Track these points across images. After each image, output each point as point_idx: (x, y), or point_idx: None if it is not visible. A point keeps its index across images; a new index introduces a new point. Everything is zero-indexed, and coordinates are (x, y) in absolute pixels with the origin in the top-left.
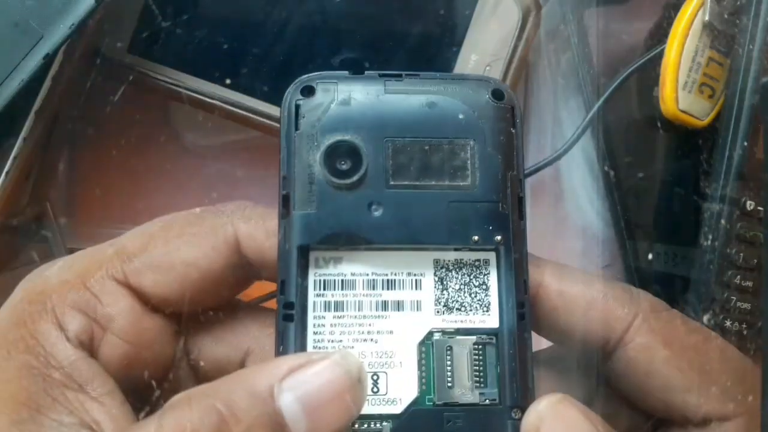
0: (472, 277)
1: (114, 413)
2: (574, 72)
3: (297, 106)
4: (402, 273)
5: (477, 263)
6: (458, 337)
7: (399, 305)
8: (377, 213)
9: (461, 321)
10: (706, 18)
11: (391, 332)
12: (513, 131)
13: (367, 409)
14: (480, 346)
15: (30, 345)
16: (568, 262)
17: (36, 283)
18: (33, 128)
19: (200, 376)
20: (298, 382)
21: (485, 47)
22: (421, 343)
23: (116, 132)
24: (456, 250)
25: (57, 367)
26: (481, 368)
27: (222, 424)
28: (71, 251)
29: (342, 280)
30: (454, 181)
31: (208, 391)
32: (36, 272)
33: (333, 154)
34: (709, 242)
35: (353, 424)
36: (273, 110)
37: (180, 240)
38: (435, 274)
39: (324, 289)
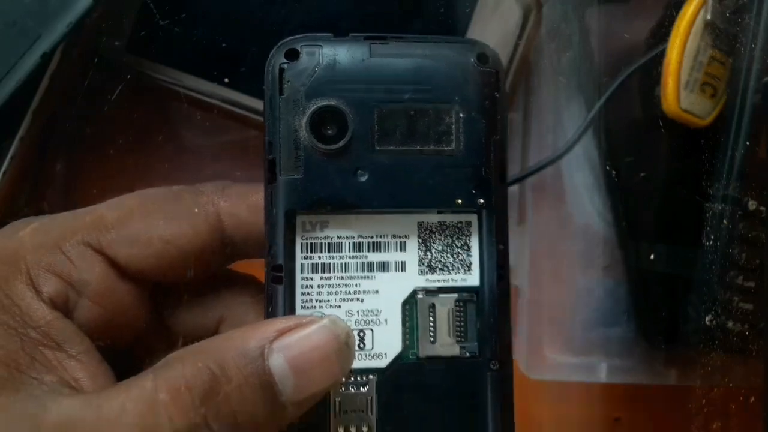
0: (454, 238)
1: (93, 371)
2: (575, 71)
3: (281, 70)
4: (387, 236)
5: (459, 225)
6: (440, 296)
7: (384, 266)
8: (363, 178)
9: (443, 280)
10: (708, 17)
11: (377, 292)
12: (497, 95)
13: (354, 364)
14: (461, 304)
15: (5, 305)
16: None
17: (8, 244)
18: (30, 128)
19: (176, 342)
20: (287, 344)
21: None
22: (406, 302)
23: (114, 131)
24: (439, 212)
25: (33, 327)
26: (462, 324)
27: (214, 382)
28: None
29: (329, 243)
30: (439, 145)
31: (200, 351)
32: (7, 232)
33: (318, 119)
34: (711, 242)
35: None
36: None
37: (159, 216)
38: (419, 237)
39: (311, 252)
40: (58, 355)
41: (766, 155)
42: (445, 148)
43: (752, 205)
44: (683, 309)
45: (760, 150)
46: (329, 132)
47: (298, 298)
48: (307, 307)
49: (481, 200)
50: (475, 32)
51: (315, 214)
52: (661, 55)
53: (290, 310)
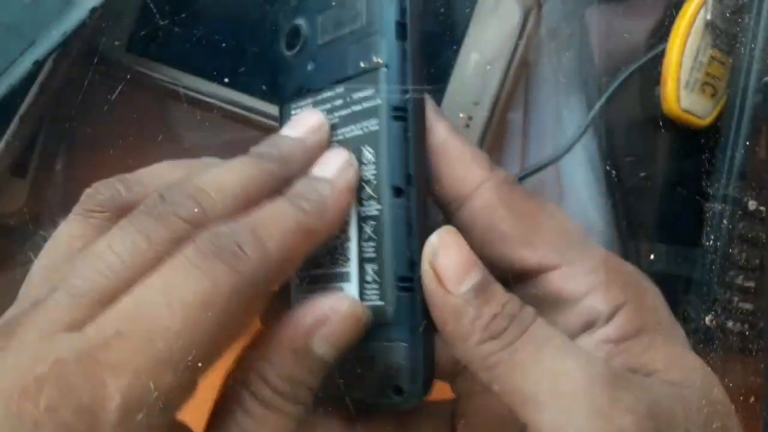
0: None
1: None
2: (575, 71)
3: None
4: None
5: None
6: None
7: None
8: (311, 67)
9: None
10: (708, 17)
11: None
12: None
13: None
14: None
15: None
16: None
17: None
18: (17, 133)
19: None
20: (326, 333)
21: (486, 46)
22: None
23: (114, 131)
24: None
25: None
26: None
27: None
28: None
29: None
30: (353, 25)
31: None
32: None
33: (290, 36)
34: (711, 242)
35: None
36: (272, 109)
37: None
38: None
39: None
40: None
41: (766, 155)
42: (356, 27)
43: (752, 205)
44: (683, 309)
45: (760, 150)
46: (296, 42)
47: None
48: None
49: (376, 59)
50: (474, 32)
51: (294, 101)
52: (662, 55)
53: None
